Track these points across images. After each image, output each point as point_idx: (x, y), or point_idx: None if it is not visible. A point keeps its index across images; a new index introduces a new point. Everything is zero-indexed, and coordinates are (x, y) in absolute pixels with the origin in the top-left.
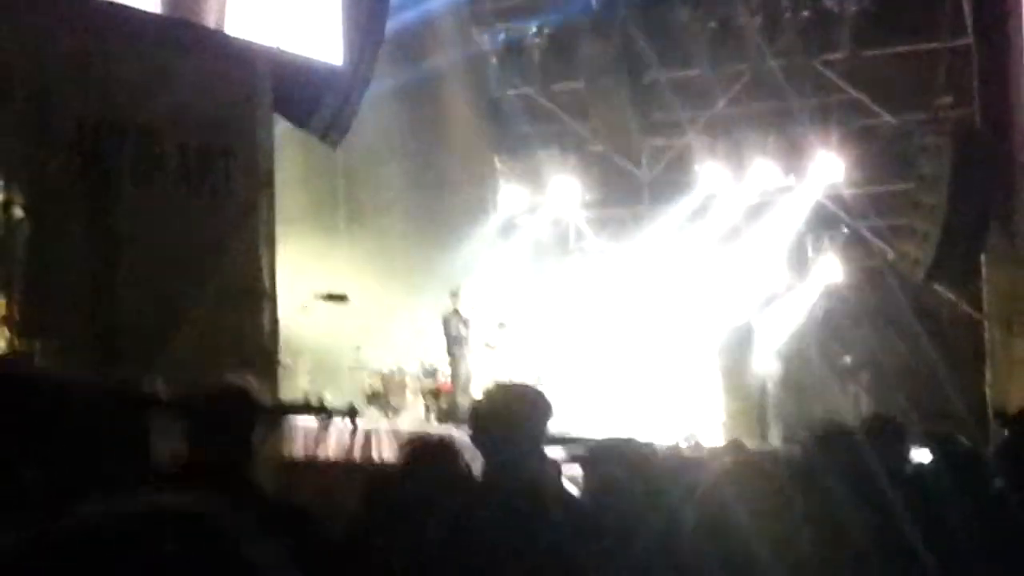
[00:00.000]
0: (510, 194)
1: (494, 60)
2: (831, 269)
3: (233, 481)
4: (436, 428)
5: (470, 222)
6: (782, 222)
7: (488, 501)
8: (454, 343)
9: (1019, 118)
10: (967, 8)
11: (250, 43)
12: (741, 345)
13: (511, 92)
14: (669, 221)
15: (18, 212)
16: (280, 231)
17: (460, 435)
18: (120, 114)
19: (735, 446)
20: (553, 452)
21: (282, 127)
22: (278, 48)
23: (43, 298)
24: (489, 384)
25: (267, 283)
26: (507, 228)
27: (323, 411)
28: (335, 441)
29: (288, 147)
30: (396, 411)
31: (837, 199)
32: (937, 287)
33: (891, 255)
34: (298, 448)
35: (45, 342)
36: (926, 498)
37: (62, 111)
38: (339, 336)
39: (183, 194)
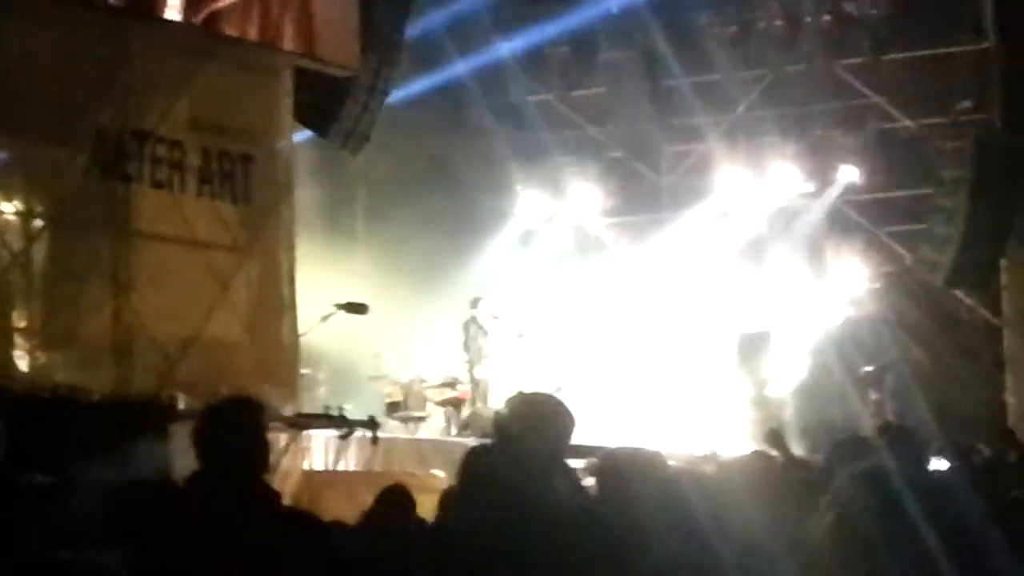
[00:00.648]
0: (530, 201)
1: (514, 66)
2: (851, 274)
3: (247, 491)
4: (456, 439)
5: (490, 229)
6: (802, 227)
7: (509, 513)
8: (472, 352)
9: None
10: (987, 12)
11: (271, 51)
12: (759, 352)
13: (531, 98)
14: (689, 227)
15: (38, 221)
16: (300, 239)
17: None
18: (141, 121)
19: (758, 456)
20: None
21: (302, 135)
22: (299, 56)
23: (63, 307)
24: (511, 394)
25: (287, 291)
26: (527, 235)
27: (344, 422)
28: (356, 453)
29: (308, 155)
30: (417, 422)
31: (856, 204)
32: (957, 292)
33: (910, 260)
34: (319, 459)
35: (66, 352)
36: (945, 506)
37: (83, 118)
38: (359, 345)
39: (204, 201)
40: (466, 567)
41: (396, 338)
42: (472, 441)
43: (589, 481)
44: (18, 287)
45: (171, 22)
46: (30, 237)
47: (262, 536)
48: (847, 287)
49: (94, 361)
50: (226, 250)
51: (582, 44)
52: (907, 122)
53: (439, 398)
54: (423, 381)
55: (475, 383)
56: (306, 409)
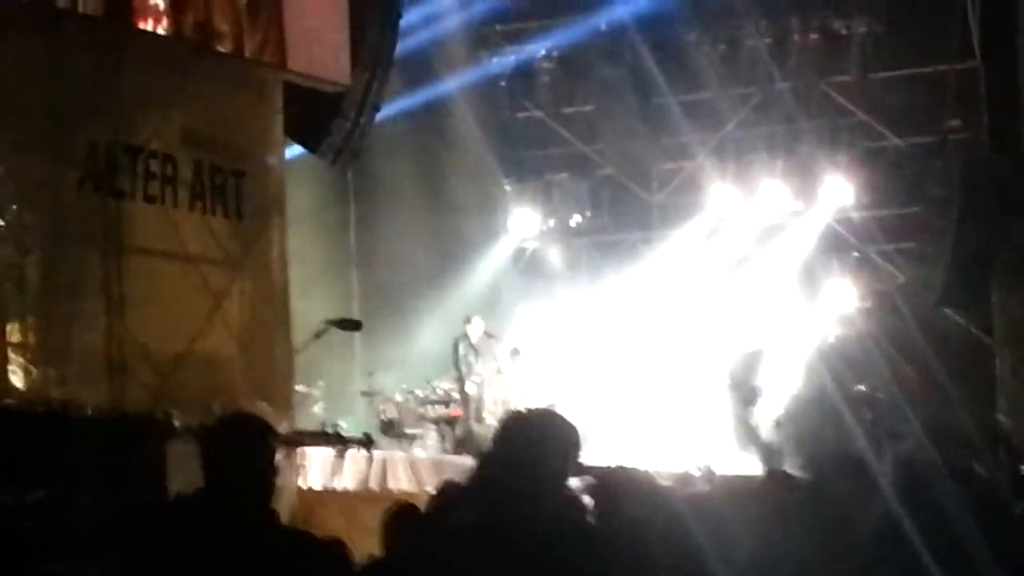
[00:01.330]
0: (521, 218)
1: (504, 83)
2: (841, 293)
3: (250, 511)
4: (451, 457)
5: (481, 246)
6: (792, 246)
7: (506, 537)
8: (463, 370)
9: None
10: (975, 31)
11: (263, 66)
12: (750, 370)
13: (521, 115)
14: (679, 244)
15: (31, 236)
16: (292, 255)
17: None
18: (134, 136)
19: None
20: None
21: (293, 150)
22: (289, 71)
23: (57, 322)
24: (510, 410)
25: (281, 307)
26: (518, 252)
27: (339, 440)
28: (351, 470)
29: (299, 170)
30: (411, 439)
31: (846, 222)
32: (948, 311)
33: (901, 279)
34: (314, 477)
35: (60, 367)
36: (942, 525)
37: (76, 132)
38: (352, 362)
39: (196, 216)
40: None
41: (390, 355)
42: (467, 459)
43: (585, 499)
44: (11, 302)
45: (163, 37)
46: (23, 252)
47: (262, 556)
48: (837, 305)
49: (88, 376)
50: (219, 265)
51: (572, 61)
52: (895, 140)
53: (433, 415)
54: (417, 399)
55: (466, 400)
56: (301, 426)
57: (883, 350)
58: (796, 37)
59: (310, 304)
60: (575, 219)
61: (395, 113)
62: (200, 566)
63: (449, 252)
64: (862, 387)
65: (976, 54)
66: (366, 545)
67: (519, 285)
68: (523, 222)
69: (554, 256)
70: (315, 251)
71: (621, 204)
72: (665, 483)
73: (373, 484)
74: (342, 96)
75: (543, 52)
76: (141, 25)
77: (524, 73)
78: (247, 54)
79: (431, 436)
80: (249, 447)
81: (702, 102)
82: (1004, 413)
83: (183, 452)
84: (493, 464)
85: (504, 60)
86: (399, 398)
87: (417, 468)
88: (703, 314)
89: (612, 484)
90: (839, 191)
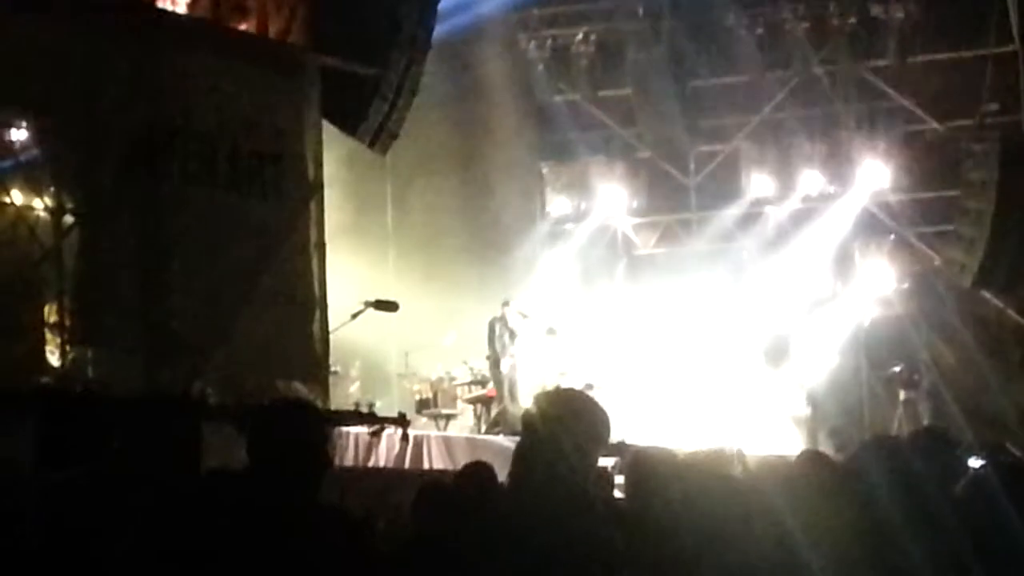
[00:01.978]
0: (557, 201)
1: (541, 67)
2: (878, 276)
3: (297, 492)
4: (486, 436)
5: (518, 228)
6: (829, 228)
7: (536, 514)
8: (497, 350)
9: None
10: (1013, 15)
11: (300, 51)
12: (782, 353)
13: (558, 99)
14: (716, 227)
15: (68, 218)
16: (329, 237)
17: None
18: (172, 119)
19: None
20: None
21: (331, 134)
22: (327, 56)
23: (94, 304)
24: (541, 391)
25: (317, 289)
26: (554, 234)
27: (374, 419)
28: (386, 449)
29: (337, 154)
30: (446, 419)
31: (883, 205)
32: (985, 293)
33: (938, 261)
34: (349, 456)
35: (96, 348)
36: (976, 509)
37: (115, 116)
38: (388, 343)
39: (234, 199)
40: (492, 566)
41: (426, 336)
42: (502, 439)
43: (618, 479)
44: (50, 283)
45: (202, 20)
46: (61, 233)
47: (306, 535)
48: (875, 287)
49: (125, 357)
50: (256, 247)
51: (609, 45)
52: (933, 124)
53: (468, 396)
54: (452, 379)
55: (499, 380)
56: (337, 405)
57: (920, 331)
58: (834, 21)
59: (347, 285)
60: (612, 202)
61: (433, 96)
62: (243, 549)
63: (486, 234)
64: (898, 368)
65: (1014, 38)
66: (399, 524)
67: (556, 266)
68: (559, 205)
69: (591, 238)
70: (352, 232)
71: (658, 187)
72: (697, 462)
73: (408, 463)
74: (380, 79)
75: (580, 36)
76: (162, 3)
77: (561, 56)
78: (271, 33)
79: (466, 416)
80: (302, 434)
81: (739, 85)
82: None
83: (218, 431)
84: (524, 446)
85: (542, 43)
86: (434, 378)
87: (452, 447)
88: (739, 297)
89: (643, 463)
90: (876, 174)
